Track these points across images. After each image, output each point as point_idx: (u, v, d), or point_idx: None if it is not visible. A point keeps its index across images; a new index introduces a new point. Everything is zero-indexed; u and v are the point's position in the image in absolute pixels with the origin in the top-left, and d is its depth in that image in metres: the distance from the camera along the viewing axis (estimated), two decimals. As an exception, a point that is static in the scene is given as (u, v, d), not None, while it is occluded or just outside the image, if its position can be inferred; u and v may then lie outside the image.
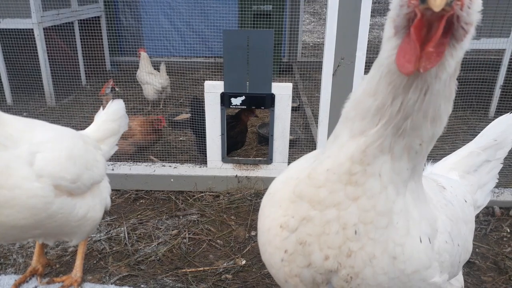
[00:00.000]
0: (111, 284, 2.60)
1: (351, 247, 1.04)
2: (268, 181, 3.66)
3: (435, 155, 4.15)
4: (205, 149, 3.59)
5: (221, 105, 3.40)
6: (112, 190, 2.48)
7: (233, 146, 3.99)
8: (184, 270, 2.74)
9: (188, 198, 3.55)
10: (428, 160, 1.81)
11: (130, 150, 3.90)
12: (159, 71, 5.37)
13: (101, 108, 2.61)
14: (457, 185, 1.55)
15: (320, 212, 1.06)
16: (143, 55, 5.37)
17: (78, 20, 6.06)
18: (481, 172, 1.69)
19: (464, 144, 1.82)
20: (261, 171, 3.62)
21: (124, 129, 2.66)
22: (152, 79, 5.17)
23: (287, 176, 1.23)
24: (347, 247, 1.05)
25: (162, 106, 5.46)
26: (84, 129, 2.51)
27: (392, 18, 0.93)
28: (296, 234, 1.10)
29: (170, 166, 3.68)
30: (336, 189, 1.04)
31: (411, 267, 1.04)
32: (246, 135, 4.14)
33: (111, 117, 2.55)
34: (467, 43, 0.94)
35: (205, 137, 3.56)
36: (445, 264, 1.14)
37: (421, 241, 1.05)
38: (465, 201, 1.47)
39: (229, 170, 3.62)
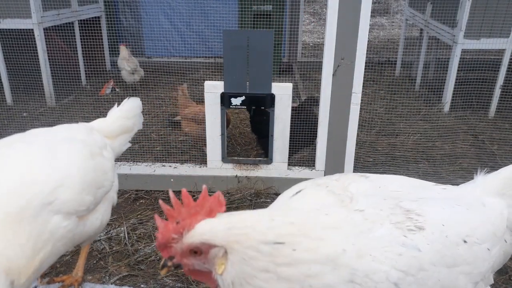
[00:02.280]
0: (111, 284, 2.60)
1: None
2: (268, 181, 3.67)
3: (435, 155, 4.17)
4: (268, 147, 3.54)
5: (221, 105, 3.41)
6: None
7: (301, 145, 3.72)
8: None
9: (188, 198, 3.55)
10: (481, 169, 1.74)
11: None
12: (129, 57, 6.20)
13: (116, 104, 2.55)
14: (465, 219, 1.43)
15: None
16: (122, 47, 6.12)
17: (78, 20, 6.05)
18: None
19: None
20: (261, 171, 3.62)
21: (138, 128, 2.58)
22: (123, 64, 6.07)
23: None
24: None
25: (163, 106, 5.47)
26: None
27: None
28: None
29: (170, 166, 3.68)
30: None
31: None
32: None
33: (125, 114, 2.47)
34: (226, 271, 1.25)
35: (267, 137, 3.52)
36: None
37: None
38: (464, 241, 1.36)
39: (229, 170, 3.62)
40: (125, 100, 2.56)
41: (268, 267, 1.23)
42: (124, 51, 6.16)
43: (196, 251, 1.26)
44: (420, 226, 1.31)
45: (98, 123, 2.43)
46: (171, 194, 1.33)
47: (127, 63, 6.10)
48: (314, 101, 3.83)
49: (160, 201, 1.34)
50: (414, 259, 1.26)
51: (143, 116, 2.66)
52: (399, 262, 1.24)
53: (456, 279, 1.34)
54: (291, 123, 3.46)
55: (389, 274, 1.23)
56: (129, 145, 2.58)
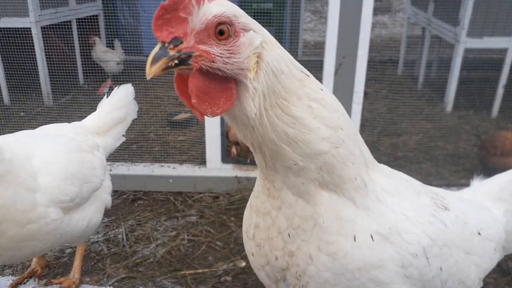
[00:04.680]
0: (109, 286, 2.56)
1: (290, 249, 1.16)
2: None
3: (438, 155, 4.13)
4: None
5: (220, 105, 3.35)
6: (110, 191, 2.43)
7: None
8: (183, 272, 2.70)
9: (187, 199, 3.51)
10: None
11: None
12: (113, 48, 6.24)
13: (105, 96, 2.41)
14: (480, 215, 1.46)
15: (262, 219, 1.20)
16: (97, 39, 6.10)
17: (76, 19, 6.01)
18: None
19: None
20: (261, 172, 3.58)
21: (132, 117, 2.41)
22: (110, 56, 6.08)
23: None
24: (288, 248, 1.16)
25: (162, 106, 5.43)
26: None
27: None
28: (254, 239, 1.26)
29: (169, 166, 3.64)
30: (264, 200, 1.19)
31: (352, 263, 1.10)
32: None
33: (116, 104, 2.33)
34: (257, 79, 0.97)
35: None
36: (413, 280, 1.17)
37: (355, 239, 1.11)
38: (479, 234, 1.40)
39: (229, 170, 3.58)
40: (115, 89, 2.41)
41: (299, 93, 1.03)
42: (99, 43, 6.12)
43: (224, 31, 0.94)
44: (446, 207, 1.33)
45: (90, 120, 2.34)
46: None
47: (114, 55, 6.08)
48: None
49: None
50: (441, 231, 1.26)
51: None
52: (429, 229, 1.23)
53: (469, 267, 1.35)
54: None
55: (420, 237, 1.20)
56: (123, 139, 2.45)
